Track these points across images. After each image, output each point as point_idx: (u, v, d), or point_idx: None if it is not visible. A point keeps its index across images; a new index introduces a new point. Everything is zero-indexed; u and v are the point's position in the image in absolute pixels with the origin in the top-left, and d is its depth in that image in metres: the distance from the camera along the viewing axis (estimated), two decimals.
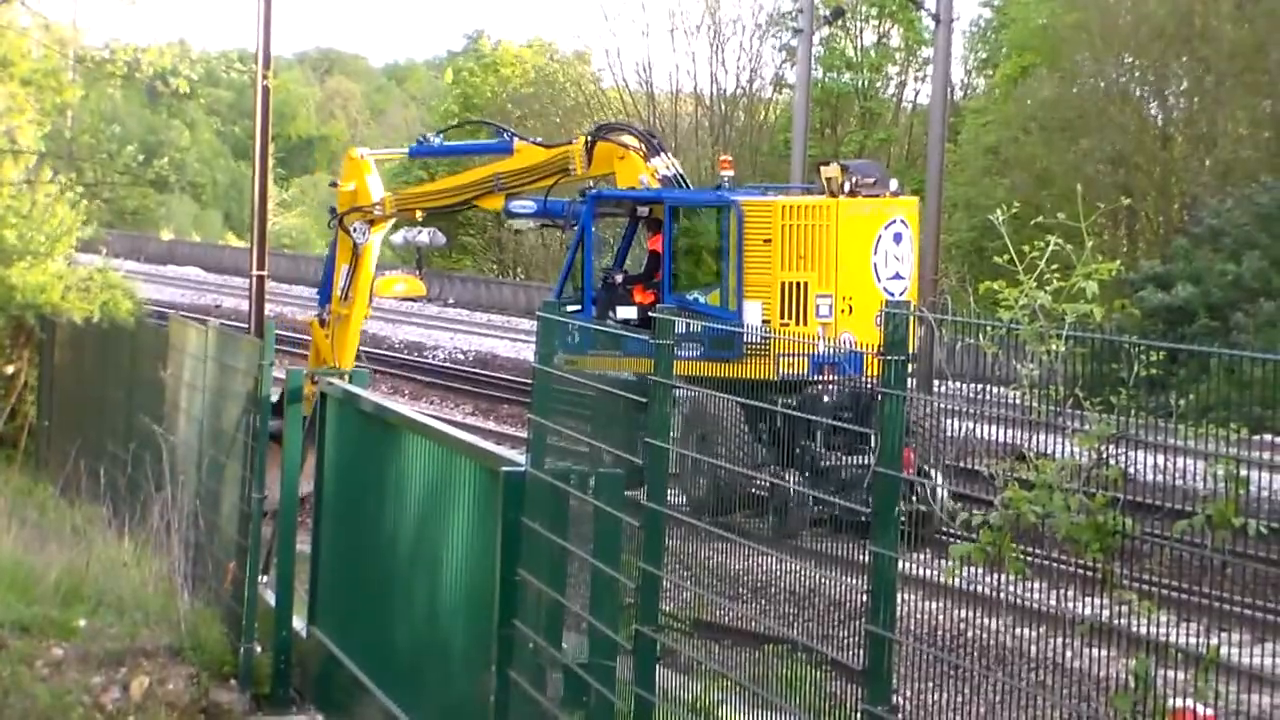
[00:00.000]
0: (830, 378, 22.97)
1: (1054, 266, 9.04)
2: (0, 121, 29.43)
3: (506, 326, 63.00)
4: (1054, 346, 8.36)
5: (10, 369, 29.59)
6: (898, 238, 27.50)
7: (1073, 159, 57.24)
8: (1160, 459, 7.95)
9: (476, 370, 50.94)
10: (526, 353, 39.68)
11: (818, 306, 26.94)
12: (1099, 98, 62.00)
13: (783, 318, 26.85)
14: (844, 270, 26.84)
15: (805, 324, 26.75)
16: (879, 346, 8.25)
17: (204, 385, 19.50)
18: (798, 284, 26.96)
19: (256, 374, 17.54)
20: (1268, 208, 48.49)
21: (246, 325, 36.13)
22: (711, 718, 11.63)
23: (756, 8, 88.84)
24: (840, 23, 70.56)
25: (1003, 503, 7.64)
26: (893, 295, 26.18)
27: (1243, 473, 7.10)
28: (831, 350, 23.16)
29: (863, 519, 8.10)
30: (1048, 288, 8.79)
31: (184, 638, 17.36)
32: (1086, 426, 7.92)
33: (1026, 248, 9.26)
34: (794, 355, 23.73)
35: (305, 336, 48.70)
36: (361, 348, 35.35)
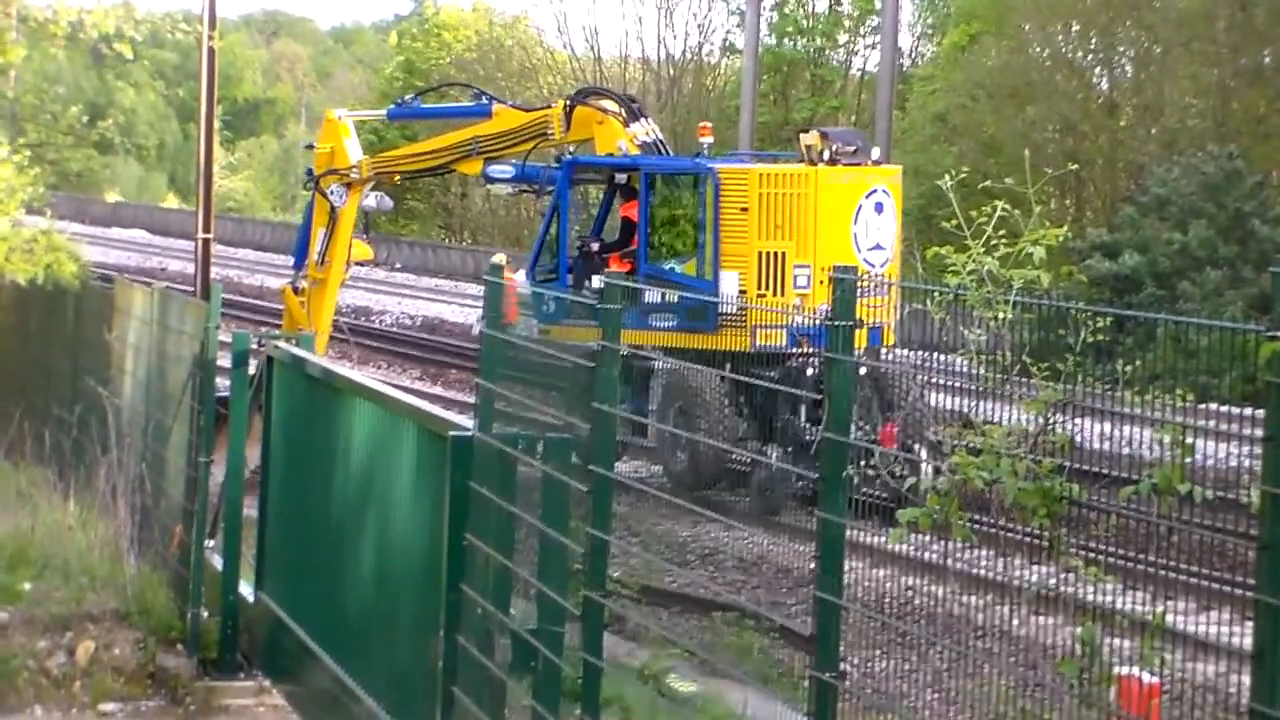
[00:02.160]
0: (810, 350, 22.90)
1: (1001, 233, 9.07)
2: None
3: (454, 291, 62.77)
4: (1001, 313, 8.38)
5: None
6: (879, 207, 27.21)
7: (1020, 126, 57.28)
8: (1107, 426, 7.98)
9: (424, 335, 50.77)
10: (474, 317, 39.69)
11: (796, 277, 26.56)
12: (1046, 66, 62.13)
13: (760, 288, 26.52)
14: (823, 240, 26.50)
15: (783, 295, 26.49)
16: (828, 312, 8.23)
17: (150, 348, 19.43)
18: (775, 254, 26.65)
19: (203, 337, 17.51)
20: (1214, 177, 48.63)
21: (193, 289, 35.93)
22: (660, 684, 11.68)
23: None
24: None
25: (950, 468, 7.66)
26: (873, 266, 26.09)
27: (1189, 440, 7.12)
28: (809, 322, 23.06)
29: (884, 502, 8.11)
30: (995, 254, 8.82)
31: (130, 602, 17.32)
32: (1034, 393, 7.94)
33: (975, 213, 9.28)
34: (771, 327, 23.61)
35: (251, 300, 48.77)
36: (338, 317, 35.27)
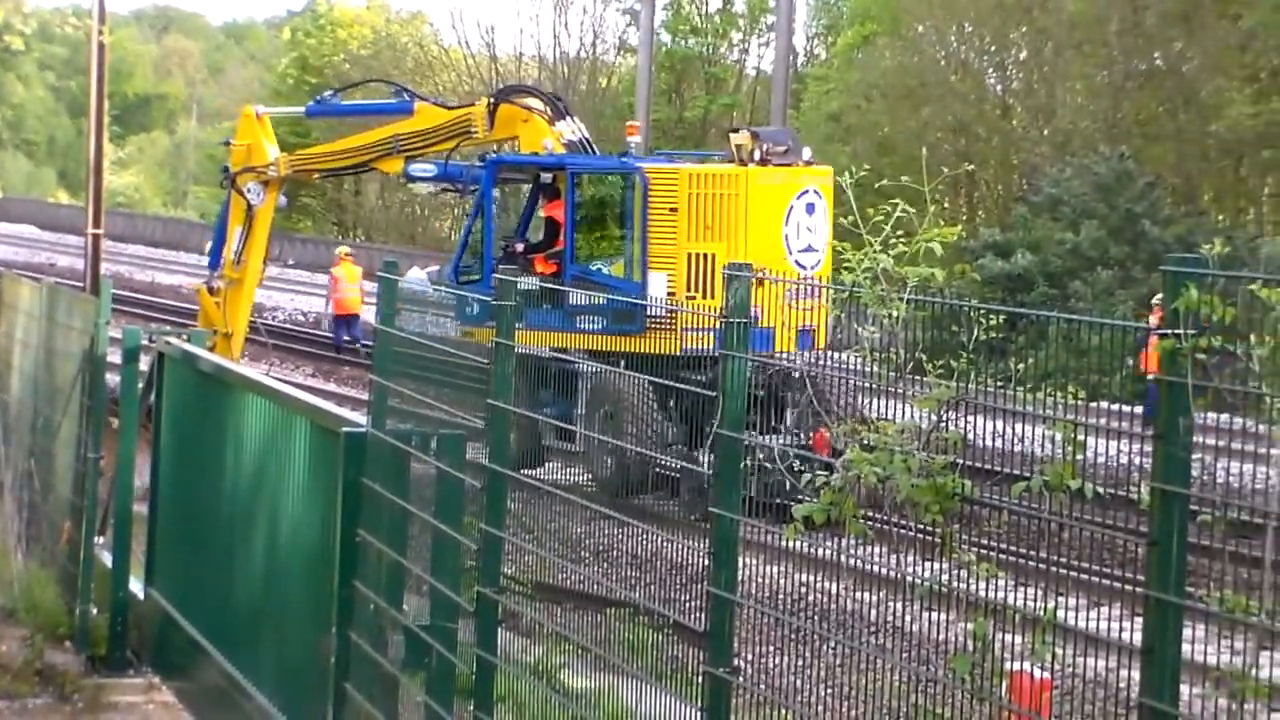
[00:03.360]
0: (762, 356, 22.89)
1: (899, 232, 9.11)
2: None
3: (364, 290, 62.70)
4: (895, 310, 8.42)
5: None
6: (810, 208, 27.06)
7: (914, 127, 57.60)
8: (999, 423, 8.04)
9: (316, 332, 50.63)
10: (368, 315, 39.63)
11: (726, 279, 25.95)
12: (940, 67, 62.46)
13: (689, 290, 26.36)
14: (754, 242, 26.21)
15: (712, 297, 25.74)
16: (723, 310, 8.27)
17: (38, 344, 19.35)
18: (705, 255, 26.38)
19: (93, 333, 17.45)
20: (1105, 178, 49.02)
21: (83, 284, 35.78)
22: (554, 680, 11.68)
23: None
24: None
25: (844, 464, 7.69)
26: (804, 268, 26.04)
27: (1080, 437, 7.18)
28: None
29: (778, 501, 8.11)
30: (891, 252, 8.86)
31: (17, 599, 17.28)
32: (927, 390, 7.98)
33: (870, 211, 9.32)
34: (699, 330, 23.52)
35: (143, 296, 48.56)
36: (255, 318, 35.02)
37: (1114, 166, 50.01)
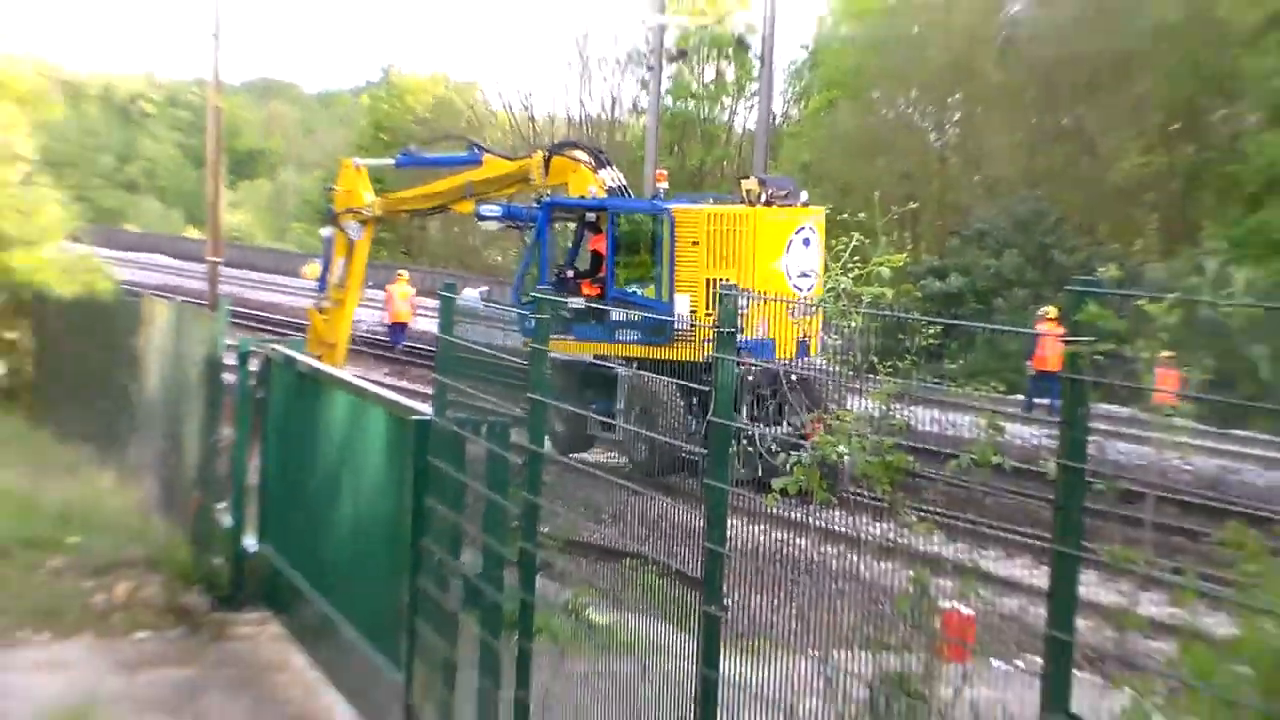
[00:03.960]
0: (749, 360, 22.73)
1: (856, 259, 9.15)
2: (4, 131, 29.30)
3: (422, 308, 62.48)
4: (854, 322, 8.46)
5: (11, 335, 29.39)
6: (806, 242, 26.82)
7: (869, 174, 57.38)
8: (936, 412, 8.09)
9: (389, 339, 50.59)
10: (430, 325, 39.51)
11: (739, 301, 25.77)
12: (890, 126, 62.48)
13: (707, 309, 25.66)
14: (760, 269, 25.95)
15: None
16: (714, 321, 8.31)
17: (171, 350, 19.40)
18: (721, 280, 25.33)
19: (212, 342, 17.52)
20: (1023, 215, 49.19)
21: (204, 302, 35.76)
22: (580, 616, 11.69)
23: (617, 46, 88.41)
24: (684, 61, 70.72)
25: (812, 446, 7.73)
26: (801, 291, 25.88)
27: (1000, 423, 7.23)
28: (746, 337, 22.85)
29: (759, 473, 8.11)
30: (850, 274, 8.90)
31: (158, 552, 17.31)
32: (879, 386, 8.02)
33: (833, 243, 9.36)
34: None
35: (251, 311, 48.44)
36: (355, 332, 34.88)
37: (1030, 206, 50.16)
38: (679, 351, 24.95)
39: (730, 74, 76.06)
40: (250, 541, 16.54)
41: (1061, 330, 6.22)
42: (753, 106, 68.46)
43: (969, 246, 49.39)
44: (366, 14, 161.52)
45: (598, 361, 24.72)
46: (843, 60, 67.66)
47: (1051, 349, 29.86)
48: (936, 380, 8.21)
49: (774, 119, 61.40)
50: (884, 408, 7.78)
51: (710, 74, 76.36)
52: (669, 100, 70.67)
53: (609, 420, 24.81)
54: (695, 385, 12.29)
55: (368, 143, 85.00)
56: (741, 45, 72.46)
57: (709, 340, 25.26)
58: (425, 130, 72.86)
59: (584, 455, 23.47)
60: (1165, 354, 6.19)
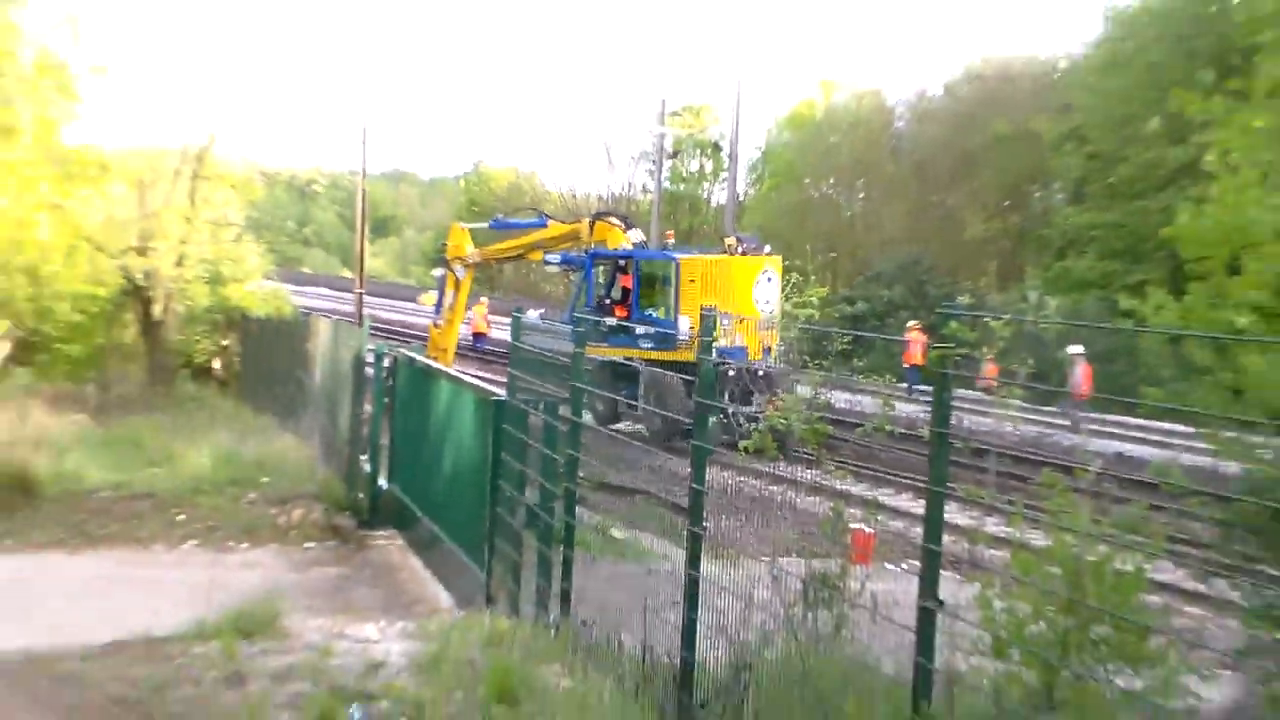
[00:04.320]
0: (729, 362, 22.55)
1: (795, 291, 9.14)
2: (222, 208, 29.55)
3: (495, 323, 62.63)
4: (793, 333, 8.43)
5: (226, 342, 29.50)
6: (769, 279, 26.25)
7: (803, 235, 57.01)
8: (848, 394, 8.05)
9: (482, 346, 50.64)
10: (503, 335, 39.48)
11: (724, 322, 25.86)
12: (817, 201, 62.45)
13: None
14: (738, 299, 25.59)
15: (714, 331, 25.24)
16: (699, 333, 8.29)
17: (330, 353, 19.42)
18: (711, 306, 25.43)
19: (358, 346, 17.54)
20: (905, 262, 49.35)
21: (353, 319, 35.76)
22: (606, 534, 11.65)
23: (633, 147, 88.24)
24: (677, 157, 70.68)
25: (766, 419, 7.71)
26: (764, 313, 25.53)
27: (893, 403, 7.21)
28: (728, 345, 22.58)
29: (734, 438, 8.06)
30: (790, 302, 8.91)
31: (321, 489, 17.34)
32: (810, 376, 8.00)
33: (784, 280, 9.35)
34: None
35: (385, 326, 48.42)
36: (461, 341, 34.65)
37: (910, 256, 50.21)
38: (681, 355, 24.81)
39: (709, 166, 76.02)
40: (383, 482, 16.56)
41: (924, 337, 6.21)
42: (723, 188, 68.34)
43: (870, 283, 49.42)
44: (464, 122, 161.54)
45: (626, 361, 24.55)
46: (784, 157, 67.53)
47: (914, 349, 30.05)
48: (848, 373, 8.18)
49: (738, 196, 61.21)
50: (813, 392, 7.75)
51: (695, 165, 76.34)
52: (667, 183, 70.61)
53: (633, 402, 24.71)
54: (691, 378, 12.24)
55: (464, 213, 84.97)
56: (716, 147, 72.51)
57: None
58: (502, 205, 72.80)
59: (617, 426, 23.36)
60: (988, 354, 6.18)
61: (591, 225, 29.14)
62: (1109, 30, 48.84)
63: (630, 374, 24.91)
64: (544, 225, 30.64)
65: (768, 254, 27.85)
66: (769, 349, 24.18)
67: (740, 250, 27.30)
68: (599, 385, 25.56)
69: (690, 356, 25.81)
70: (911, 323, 35.14)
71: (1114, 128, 45.02)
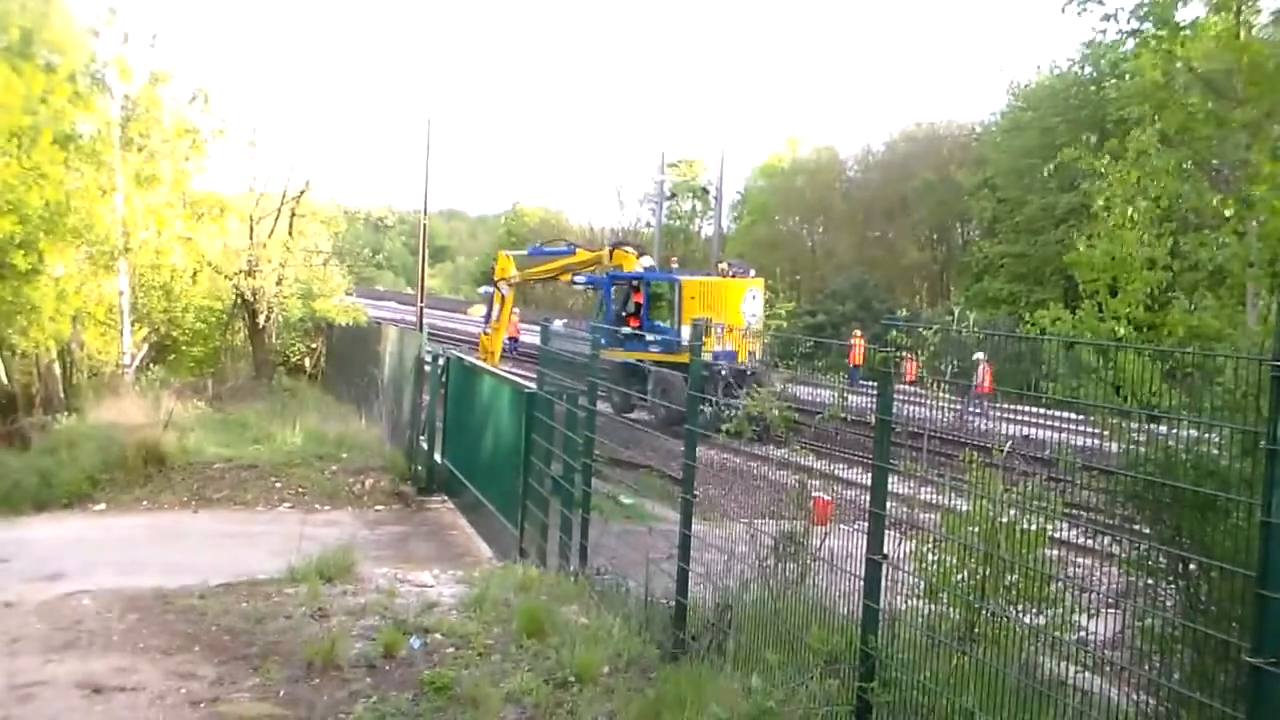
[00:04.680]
0: (722, 362, 22.32)
1: (769, 306, 9.07)
2: (313, 238, 29.64)
3: (526, 329, 62.56)
4: (767, 339, 8.37)
5: (315, 345, 29.47)
6: (754, 296, 26.11)
7: (774, 261, 56.49)
8: (810, 389, 7.98)
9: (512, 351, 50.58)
10: (534, 340, 39.54)
11: (717, 330, 25.57)
12: (784, 234, 62.36)
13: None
14: (729, 313, 25.20)
15: (709, 338, 24.81)
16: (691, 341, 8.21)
17: (396, 353, 19.37)
18: (709, 318, 25.36)
19: (419, 349, 17.47)
20: (856, 283, 49.14)
21: (416, 328, 35.71)
22: (616, 499, 11.60)
23: (639, 190, 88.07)
24: (674, 199, 70.54)
25: (743, 407, 7.64)
26: (750, 324, 25.37)
27: (846, 395, 7.14)
28: (721, 349, 22.34)
29: (721, 428, 7.96)
30: (765, 315, 8.84)
31: (388, 463, 17.29)
32: (780, 374, 7.93)
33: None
34: (705, 351, 23.03)
35: (441, 333, 48.33)
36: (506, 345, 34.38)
37: (860, 277, 50.08)
38: (683, 357, 24.59)
39: (699, 206, 75.89)
40: (437, 457, 16.49)
41: (864, 342, 6.12)
42: (710, 223, 68.24)
43: (827, 299, 49.30)
44: (505, 169, 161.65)
45: (638, 363, 24.40)
46: (759, 199, 67.42)
47: (856, 351, 30.01)
48: (810, 371, 8.11)
49: (722, 230, 61.06)
50: (783, 385, 7.69)
51: (688, 206, 76.20)
52: (666, 219, 70.46)
53: (643, 396, 24.59)
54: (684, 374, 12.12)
55: (504, 243, 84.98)
56: (704, 190, 72.42)
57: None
58: (534, 236, 72.63)
59: (630, 415, 23.12)
60: (908, 355, 6.12)
61: (611, 253, 28.89)
62: (1012, 102, 49.19)
63: (641, 373, 24.82)
64: (572, 253, 30.46)
65: (753, 277, 27.79)
66: (754, 352, 24.06)
67: (731, 273, 27.13)
68: (616, 382, 25.28)
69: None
70: (856, 331, 35.08)
71: (1017, 178, 45.16)
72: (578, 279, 29.99)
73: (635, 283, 28.13)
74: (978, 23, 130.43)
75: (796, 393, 7.82)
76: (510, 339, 45.28)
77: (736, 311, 25.78)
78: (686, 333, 25.95)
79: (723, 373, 22.92)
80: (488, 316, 31.89)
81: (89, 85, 23.69)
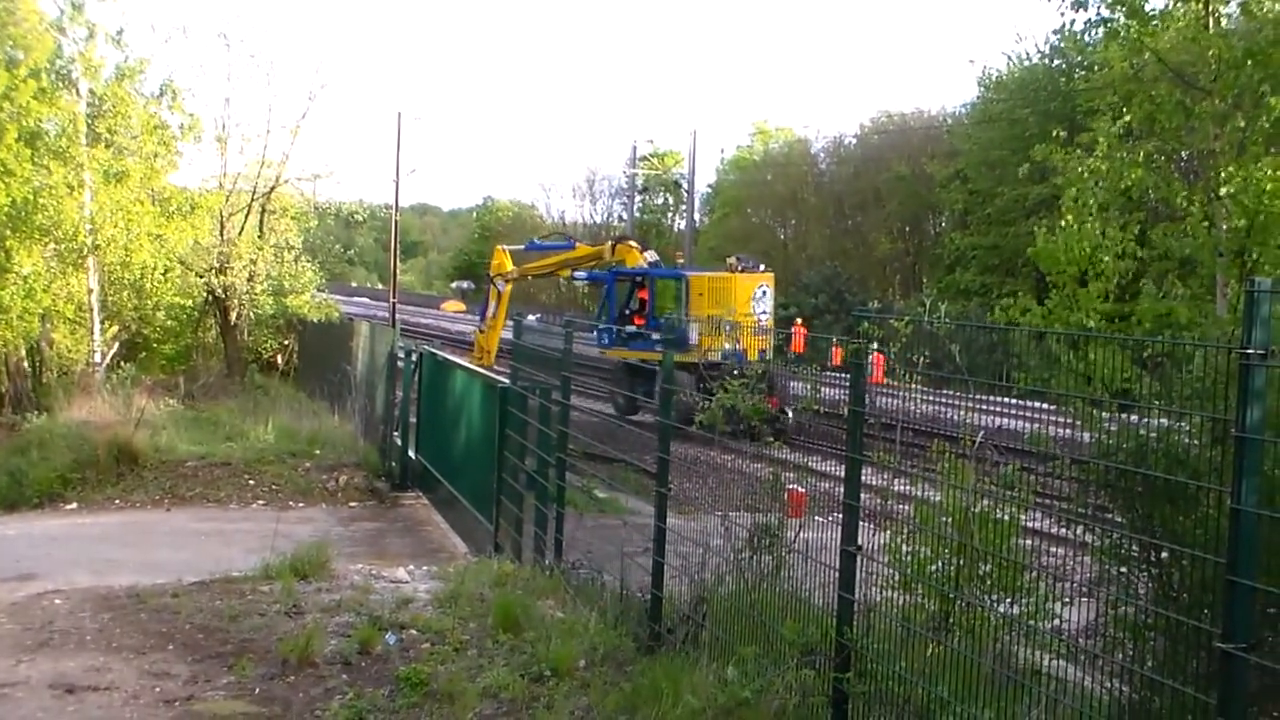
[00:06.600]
0: (731, 361, 21.84)
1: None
2: (284, 235, 29.49)
3: (509, 326, 62.11)
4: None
5: (287, 341, 29.31)
6: (763, 292, 25.64)
7: (746, 254, 57.31)
8: (786, 381, 7.99)
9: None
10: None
11: (726, 327, 24.68)
12: (757, 227, 62.42)
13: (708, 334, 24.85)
14: (737, 309, 24.39)
15: (718, 336, 24.32)
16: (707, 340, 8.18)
17: (368, 349, 19.26)
18: (715, 316, 23.94)
19: (391, 345, 17.38)
20: (828, 275, 49.31)
21: (388, 322, 35.54)
22: (591, 493, 11.57)
23: (611, 184, 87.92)
24: (647, 193, 70.54)
25: (718, 399, 7.63)
26: (760, 321, 24.84)
27: (820, 386, 7.14)
28: (730, 347, 22.01)
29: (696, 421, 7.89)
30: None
31: (361, 459, 17.20)
32: (754, 368, 7.93)
33: None
34: (712, 349, 22.89)
35: (414, 329, 48.19)
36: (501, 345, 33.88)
37: (835, 270, 50.22)
38: (690, 357, 24.36)
39: (671, 200, 75.92)
40: (411, 453, 16.42)
41: (804, 331, 6.11)
42: (683, 217, 68.33)
43: (800, 292, 49.35)
44: (477, 161, 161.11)
45: (642, 363, 24.32)
46: (731, 193, 67.52)
47: (797, 339, 29.25)
48: (788, 363, 8.12)
49: (695, 224, 61.08)
50: (758, 376, 7.69)
51: (660, 199, 76.20)
52: (639, 213, 70.40)
53: (649, 400, 24.30)
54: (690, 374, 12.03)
55: (476, 239, 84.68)
56: (677, 185, 72.44)
57: (708, 350, 24.34)
58: (506, 231, 72.33)
59: (635, 418, 22.65)
60: (875, 347, 6.13)
61: (613, 247, 28.25)
62: (983, 93, 49.37)
63: (647, 372, 24.69)
64: (572, 247, 29.88)
65: (763, 271, 27.02)
66: (763, 351, 23.70)
67: (740, 268, 26.41)
68: (619, 383, 24.86)
69: (698, 356, 24.79)
70: (798, 320, 34.86)
71: (988, 170, 45.38)
72: (578, 275, 29.32)
73: (640, 279, 27.43)
74: (948, 9, 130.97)
75: (768, 382, 7.81)
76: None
77: (746, 309, 25.16)
78: (694, 330, 25.59)
79: (733, 371, 22.51)
80: (483, 314, 31.33)
81: (54, 82, 23.45)
